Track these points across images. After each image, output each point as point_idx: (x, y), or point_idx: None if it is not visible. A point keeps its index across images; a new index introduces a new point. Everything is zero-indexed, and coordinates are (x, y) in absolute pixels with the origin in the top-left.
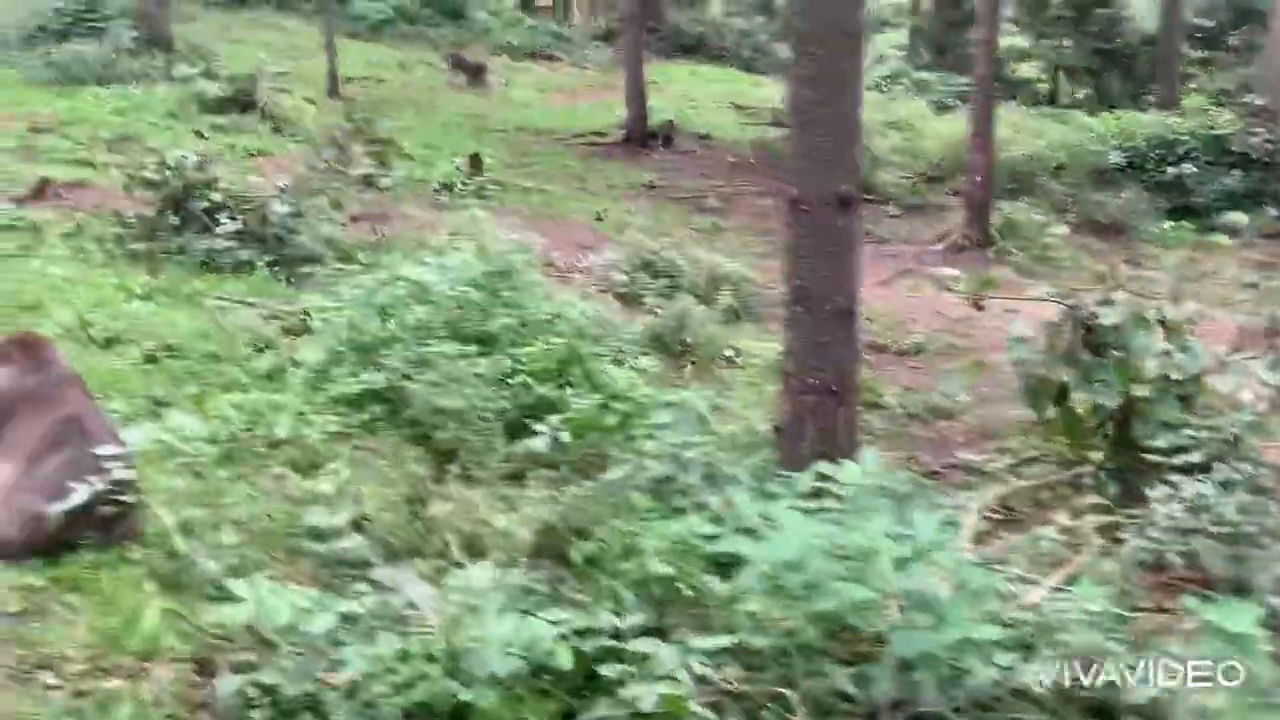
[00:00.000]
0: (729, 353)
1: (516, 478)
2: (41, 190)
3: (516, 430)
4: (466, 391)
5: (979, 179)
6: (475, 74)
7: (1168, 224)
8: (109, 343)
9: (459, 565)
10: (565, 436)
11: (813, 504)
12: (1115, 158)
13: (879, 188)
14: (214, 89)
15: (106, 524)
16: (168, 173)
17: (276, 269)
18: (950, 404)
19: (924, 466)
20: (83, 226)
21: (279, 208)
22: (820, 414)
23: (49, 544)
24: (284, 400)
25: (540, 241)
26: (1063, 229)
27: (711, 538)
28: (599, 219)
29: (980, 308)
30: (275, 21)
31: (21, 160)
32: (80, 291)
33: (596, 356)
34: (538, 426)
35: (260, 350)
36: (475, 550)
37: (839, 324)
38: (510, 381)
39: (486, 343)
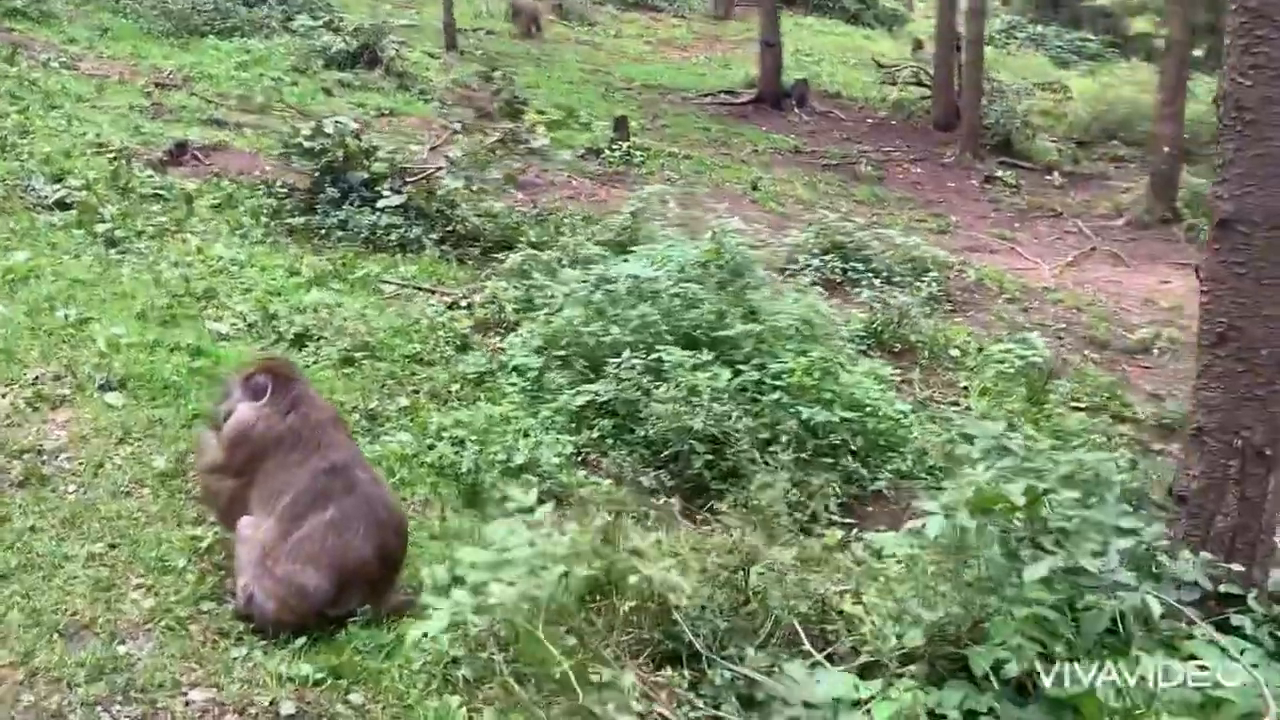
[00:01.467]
0: (954, 352)
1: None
2: (180, 153)
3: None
4: (716, 410)
5: (1169, 150)
6: (530, 23)
7: None
8: (300, 340)
9: (818, 662)
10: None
11: None
12: None
13: (1034, 153)
14: (338, 42)
15: (377, 593)
16: (325, 140)
17: (444, 248)
18: None
19: None
20: (233, 197)
21: (451, 182)
22: (1247, 482)
23: (317, 621)
24: (505, 414)
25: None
26: None
27: None
28: (754, 188)
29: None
30: None
31: (152, 119)
32: (249, 276)
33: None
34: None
35: (460, 349)
36: (824, 641)
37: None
38: (760, 397)
39: (715, 347)
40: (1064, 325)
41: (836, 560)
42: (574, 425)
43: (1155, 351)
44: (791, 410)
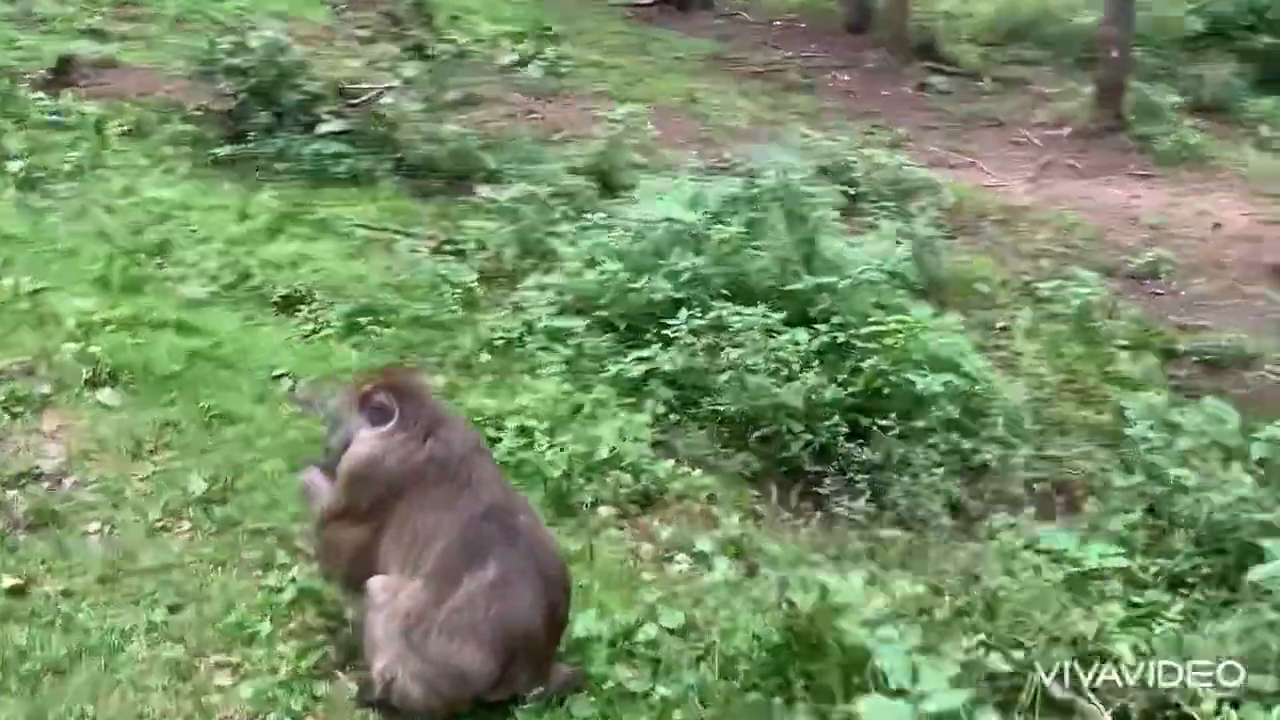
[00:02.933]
0: (983, 288)
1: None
2: (65, 71)
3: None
4: (809, 381)
5: (1115, 55)
6: None
7: (1267, 100)
8: (289, 304)
9: None
10: None
11: None
12: (1194, 23)
13: (957, 57)
14: None
15: (544, 667)
16: (250, 56)
17: (398, 180)
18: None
19: None
20: (143, 124)
21: (406, 105)
22: None
23: (470, 707)
24: (554, 393)
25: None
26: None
27: None
28: (693, 101)
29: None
30: None
31: (22, 29)
32: (197, 221)
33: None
34: None
35: (468, 305)
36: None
37: None
38: (840, 361)
39: (778, 302)
40: (1062, 250)
41: (1046, 577)
42: (635, 401)
43: (1163, 276)
44: (893, 377)
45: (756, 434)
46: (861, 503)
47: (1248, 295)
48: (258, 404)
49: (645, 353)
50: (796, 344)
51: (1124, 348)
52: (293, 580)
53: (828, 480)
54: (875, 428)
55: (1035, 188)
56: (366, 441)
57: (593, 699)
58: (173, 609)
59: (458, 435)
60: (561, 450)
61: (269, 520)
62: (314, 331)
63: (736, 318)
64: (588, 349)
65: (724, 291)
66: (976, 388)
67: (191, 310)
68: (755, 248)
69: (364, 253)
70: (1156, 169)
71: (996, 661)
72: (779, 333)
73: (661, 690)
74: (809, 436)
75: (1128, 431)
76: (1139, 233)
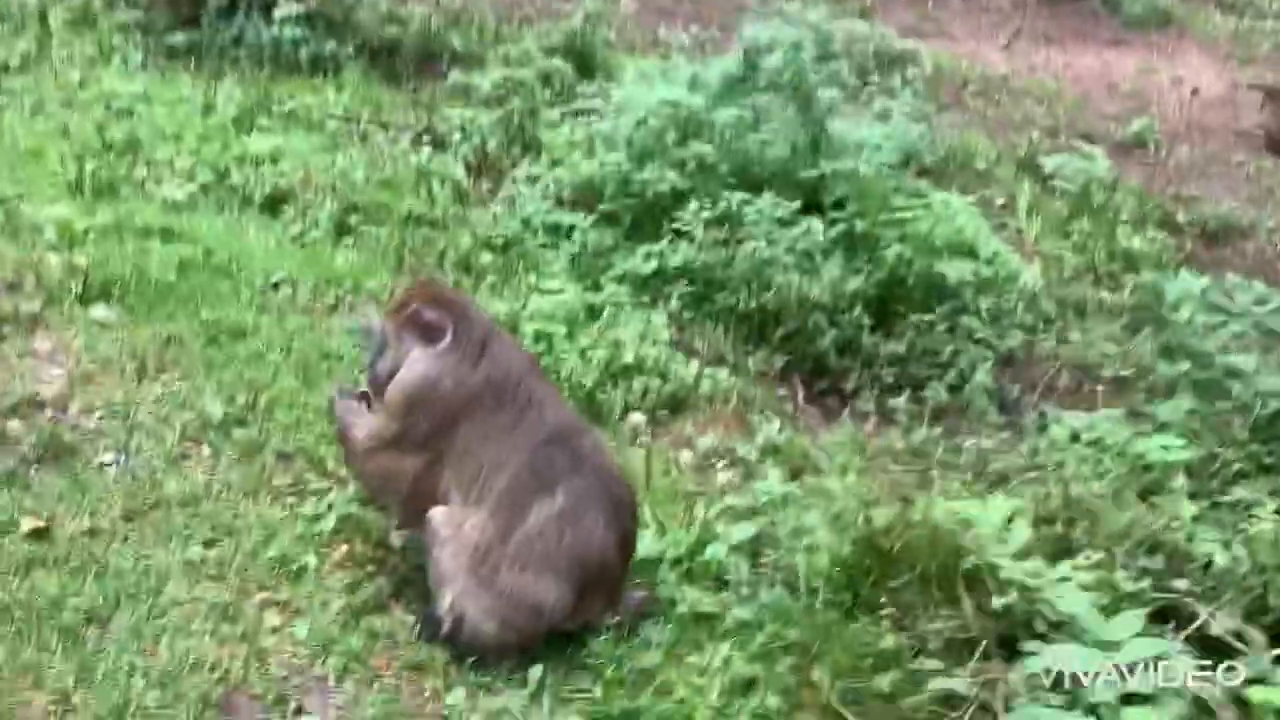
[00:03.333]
0: (980, 164)
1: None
2: None
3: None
4: (833, 273)
5: None
6: None
7: None
8: (274, 204)
9: None
10: None
11: None
12: None
13: None
14: None
15: (616, 594)
16: None
17: (363, 65)
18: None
19: None
20: (90, 10)
21: None
22: None
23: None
24: (567, 295)
25: None
26: None
27: None
28: None
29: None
30: None
31: None
32: (162, 116)
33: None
34: None
35: (459, 200)
36: None
37: None
38: (863, 252)
39: (790, 190)
40: (1050, 121)
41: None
42: (648, 300)
43: (1152, 146)
44: (917, 265)
45: (780, 331)
46: (903, 400)
47: (1232, 163)
48: (260, 314)
49: (655, 247)
50: (812, 233)
51: (1127, 223)
52: (329, 507)
53: (853, 376)
54: (900, 318)
55: (1010, 55)
56: (420, 362)
57: (668, 624)
58: (208, 544)
59: (513, 354)
60: (584, 355)
61: (294, 441)
62: (303, 233)
63: (750, 208)
64: (592, 245)
65: (730, 180)
66: (1001, 273)
67: (174, 214)
68: (760, 132)
69: (341, 146)
70: (1126, 34)
71: (1124, 583)
72: (793, 223)
73: (739, 612)
74: (835, 331)
75: (1170, 316)
76: (1120, 101)
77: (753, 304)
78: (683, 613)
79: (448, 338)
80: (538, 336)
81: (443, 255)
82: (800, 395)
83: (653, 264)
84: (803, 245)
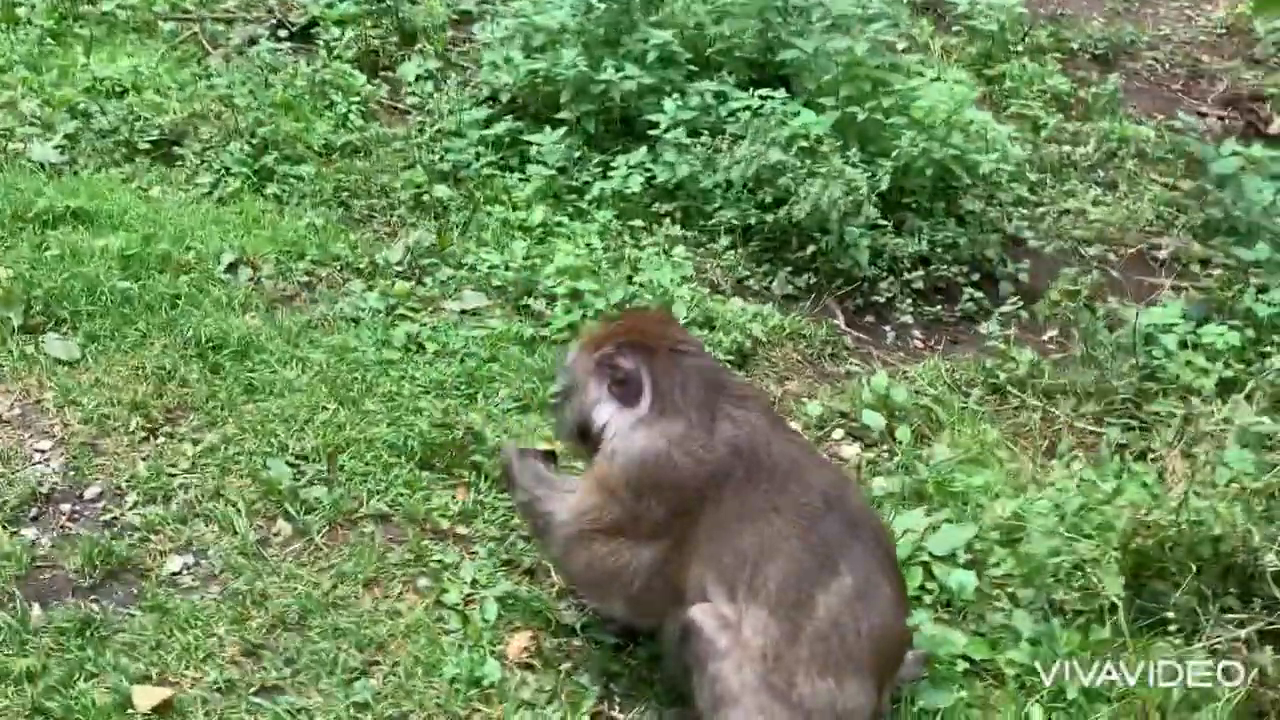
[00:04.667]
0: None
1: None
2: None
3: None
4: (849, 175)
5: None
6: None
7: None
8: (166, 152)
9: None
10: None
11: None
12: None
13: None
14: None
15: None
16: None
17: None
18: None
19: None
20: None
21: None
22: None
23: None
24: (577, 246)
25: None
26: None
27: None
28: None
29: None
30: None
31: None
32: None
33: None
34: None
35: (371, 116)
36: None
37: None
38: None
39: (763, 77)
40: None
41: None
42: (640, 221)
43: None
44: (936, 155)
45: (808, 248)
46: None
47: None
48: (243, 315)
49: (632, 158)
50: (806, 128)
51: (1017, 52)
52: (474, 584)
53: (882, 286)
54: (910, 212)
55: None
56: (635, 433)
57: (943, 679)
58: (363, 673)
59: (750, 406)
60: (607, 303)
61: (383, 497)
62: (217, 183)
63: (738, 103)
64: (557, 163)
65: (692, 68)
66: (994, 152)
67: (61, 185)
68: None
69: (194, 56)
70: None
71: None
72: (793, 120)
73: (1011, 654)
74: (866, 240)
75: (1208, 187)
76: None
77: (768, 218)
78: (954, 664)
79: (646, 397)
80: (553, 296)
81: (391, 194)
82: (843, 319)
83: (638, 180)
84: (806, 144)
